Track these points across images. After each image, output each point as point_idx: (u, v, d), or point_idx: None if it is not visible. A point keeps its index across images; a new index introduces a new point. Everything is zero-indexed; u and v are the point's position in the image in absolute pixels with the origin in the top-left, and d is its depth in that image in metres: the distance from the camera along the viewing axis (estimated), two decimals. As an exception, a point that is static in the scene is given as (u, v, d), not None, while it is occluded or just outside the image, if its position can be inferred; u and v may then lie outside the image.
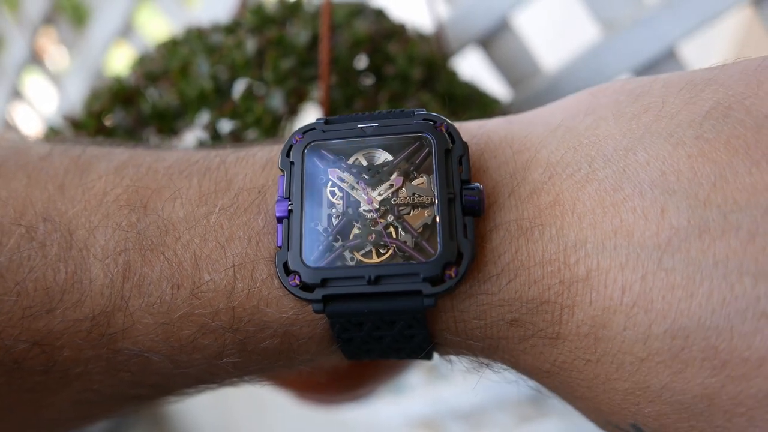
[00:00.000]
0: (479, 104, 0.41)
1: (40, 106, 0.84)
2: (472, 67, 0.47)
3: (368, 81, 0.39)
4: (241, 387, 0.27)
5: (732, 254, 0.18)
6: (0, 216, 0.22)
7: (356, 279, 0.21)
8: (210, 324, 0.22)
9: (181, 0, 0.63)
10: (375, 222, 0.22)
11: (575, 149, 0.22)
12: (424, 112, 0.23)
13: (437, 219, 0.21)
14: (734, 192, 0.18)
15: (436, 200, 0.22)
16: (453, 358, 0.25)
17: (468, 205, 0.21)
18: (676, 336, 0.19)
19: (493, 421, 0.72)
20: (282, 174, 0.23)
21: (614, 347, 0.20)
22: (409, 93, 0.37)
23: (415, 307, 0.21)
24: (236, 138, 0.35)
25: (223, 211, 0.23)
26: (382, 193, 0.22)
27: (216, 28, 0.40)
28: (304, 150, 0.23)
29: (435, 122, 0.23)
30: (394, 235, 0.21)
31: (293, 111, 0.36)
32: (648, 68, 0.41)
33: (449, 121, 0.23)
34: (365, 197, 0.22)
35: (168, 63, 0.38)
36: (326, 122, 0.24)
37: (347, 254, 0.21)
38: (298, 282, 0.21)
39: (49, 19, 0.74)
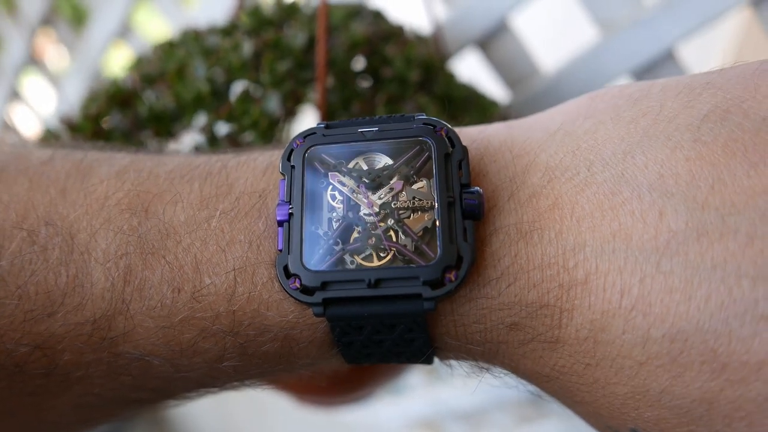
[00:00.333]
0: (477, 106, 0.41)
1: (38, 106, 0.84)
2: (471, 69, 0.47)
3: (366, 83, 0.39)
4: (241, 390, 0.27)
5: (730, 257, 0.18)
6: (2, 220, 0.22)
7: (356, 282, 0.21)
8: (210, 328, 0.22)
9: (178, 1, 0.63)
10: (375, 226, 0.22)
11: (574, 153, 0.22)
12: (424, 117, 0.24)
13: (437, 222, 0.21)
14: (732, 195, 0.18)
15: (436, 204, 0.22)
16: (453, 362, 0.25)
17: (468, 208, 0.21)
18: (675, 339, 0.19)
19: (492, 421, 0.72)
20: (283, 178, 0.23)
21: (613, 351, 0.20)
22: (407, 95, 0.37)
23: (415, 310, 0.21)
24: (233, 140, 0.35)
25: (224, 215, 0.23)
26: (382, 197, 0.22)
27: (212, 30, 0.40)
28: (304, 154, 0.23)
29: (435, 127, 0.23)
30: (394, 239, 0.22)
31: (290, 113, 0.36)
32: (647, 69, 0.41)
33: (449, 125, 0.23)
34: (365, 201, 0.22)
35: (164, 65, 0.38)
36: (327, 126, 0.24)
37: (347, 258, 0.22)
38: (298, 285, 0.21)
39: (47, 20, 0.74)
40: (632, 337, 0.19)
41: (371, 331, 0.22)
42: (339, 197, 0.22)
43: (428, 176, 0.22)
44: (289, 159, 0.23)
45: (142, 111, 0.37)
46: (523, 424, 0.70)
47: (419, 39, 0.42)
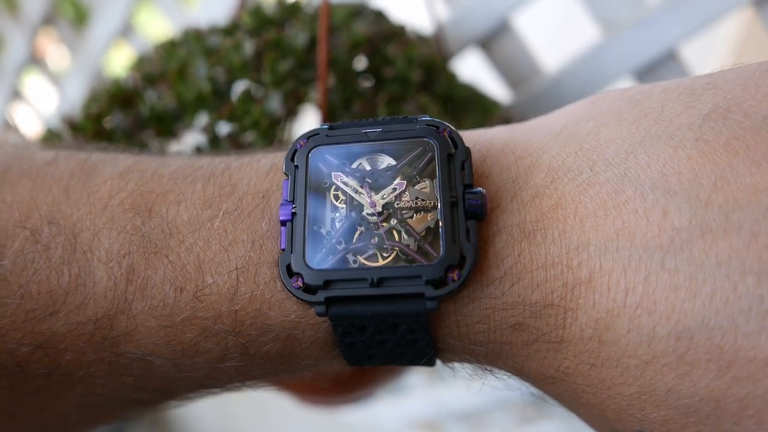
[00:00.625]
0: (479, 106, 0.41)
1: (39, 106, 0.84)
2: (472, 69, 0.47)
3: (367, 83, 0.39)
4: (242, 391, 0.27)
5: (734, 254, 0.18)
6: (5, 219, 0.22)
7: (359, 281, 0.21)
8: (212, 327, 0.22)
9: (180, 0, 0.63)
10: (378, 225, 0.22)
11: (576, 154, 0.22)
12: (428, 118, 0.24)
13: (440, 222, 0.21)
14: (735, 192, 0.18)
15: (439, 204, 0.22)
16: (455, 365, 0.25)
17: (471, 208, 0.21)
18: (681, 337, 0.18)
19: (493, 422, 0.72)
20: (286, 178, 0.23)
21: (618, 350, 0.20)
22: (408, 95, 0.37)
23: (417, 310, 0.21)
24: (234, 140, 0.35)
25: (227, 215, 0.23)
26: (385, 196, 0.22)
27: (214, 30, 0.40)
28: (308, 154, 0.23)
29: (438, 127, 0.23)
30: (397, 239, 0.22)
31: (291, 113, 0.36)
32: (648, 69, 0.41)
33: (452, 127, 0.23)
34: (368, 201, 0.22)
35: (166, 65, 0.38)
36: (330, 128, 0.24)
37: (350, 257, 0.22)
38: (300, 284, 0.21)
39: (48, 20, 0.74)
40: (637, 335, 0.19)
41: (374, 331, 0.22)
42: (342, 197, 0.22)
43: (431, 177, 0.22)
44: (292, 159, 0.23)
45: (143, 111, 0.37)
46: (524, 424, 0.70)
47: (421, 39, 0.42)
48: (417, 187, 0.22)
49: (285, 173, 0.23)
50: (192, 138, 0.38)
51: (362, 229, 0.22)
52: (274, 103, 0.35)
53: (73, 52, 0.73)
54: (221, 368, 0.23)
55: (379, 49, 0.38)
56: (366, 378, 0.44)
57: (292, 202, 0.22)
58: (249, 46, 0.36)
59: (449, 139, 0.23)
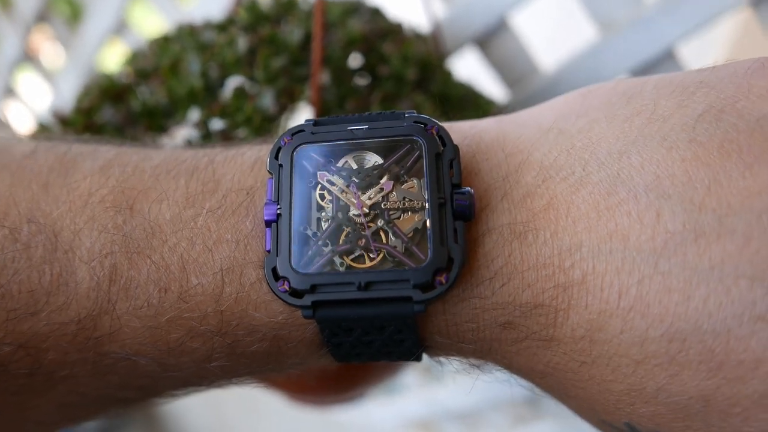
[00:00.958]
0: (474, 105, 0.41)
1: (33, 103, 0.84)
2: (470, 67, 0.47)
3: (363, 81, 0.39)
4: (234, 389, 0.27)
5: (728, 258, 0.18)
6: None
7: (346, 285, 0.21)
8: (198, 328, 0.22)
9: (175, -3, 0.62)
10: (365, 226, 0.22)
11: (568, 152, 0.21)
12: (415, 115, 0.23)
13: (428, 224, 0.21)
14: (728, 196, 0.18)
15: (427, 205, 0.21)
16: (443, 359, 0.25)
17: (458, 209, 0.21)
18: (673, 339, 0.19)
19: (488, 422, 0.72)
20: (270, 176, 0.23)
21: (610, 350, 0.20)
22: (403, 93, 0.37)
23: (405, 312, 0.21)
24: (226, 137, 0.35)
25: (211, 213, 0.22)
26: (372, 197, 0.22)
27: (208, 26, 0.39)
28: (293, 153, 0.23)
29: (426, 125, 0.23)
30: (384, 240, 0.21)
31: (284, 110, 0.36)
32: (646, 69, 0.41)
33: (440, 123, 0.23)
34: (355, 201, 0.22)
35: (159, 60, 0.38)
36: (315, 123, 0.24)
37: (337, 259, 0.21)
38: (287, 288, 0.21)
39: (42, 17, 0.73)
40: (630, 336, 0.19)
41: (361, 332, 0.22)
42: (328, 197, 0.22)
43: (418, 176, 0.22)
44: (277, 157, 0.23)
45: (135, 106, 0.37)
46: (519, 424, 0.70)
47: (417, 37, 0.42)
48: (404, 186, 0.22)
49: (269, 171, 0.23)
50: (183, 133, 0.37)
51: (349, 230, 0.22)
52: (267, 100, 0.34)
53: (67, 50, 0.73)
54: (208, 368, 0.23)
55: (374, 46, 0.38)
56: (358, 378, 0.44)
57: (277, 202, 0.22)
58: (243, 42, 0.36)
59: (437, 137, 0.22)
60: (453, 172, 0.22)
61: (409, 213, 0.22)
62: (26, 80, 0.85)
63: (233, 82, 0.36)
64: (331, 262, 0.21)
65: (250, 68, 0.36)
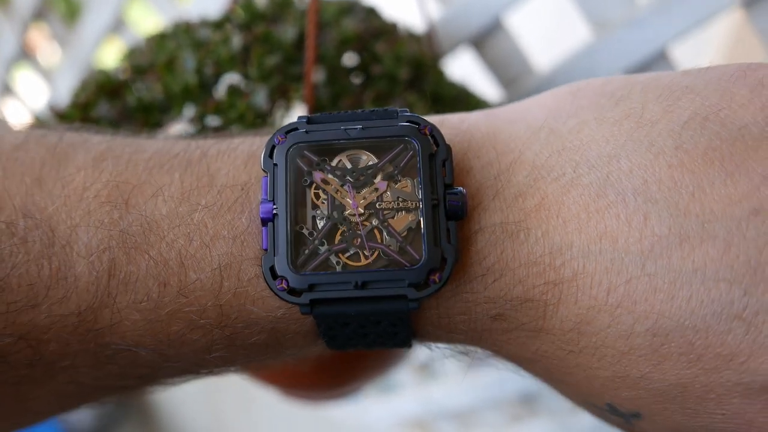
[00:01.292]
0: (466, 105, 0.41)
1: (30, 101, 0.83)
2: (464, 67, 0.47)
3: (357, 80, 0.39)
4: (230, 385, 0.27)
5: (710, 262, 0.19)
6: None
7: (343, 284, 0.22)
8: (198, 321, 0.22)
9: (172, -5, 0.62)
10: (359, 226, 0.22)
11: (560, 153, 0.22)
12: (408, 114, 0.23)
13: (422, 224, 0.22)
14: (711, 203, 0.20)
15: (421, 205, 0.22)
16: (432, 346, 0.26)
17: (451, 210, 0.22)
18: (657, 334, 0.20)
19: (484, 420, 0.72)
20: (265, 174, 0.23)
21: (597, 341, 0.21)
22: (396, 93, 0.37)
23: (400, 309, 0.22)
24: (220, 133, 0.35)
25: (207, 209, 0.23)
26: (366, 196, 0.22)
27: (204, 23, 0.39)
28: (287, 152, 0.23)
29: (419, 125, 0.23)
30: (378, 239, 0.22)
31: (278, 108, 0.36)
32: (640, 69, 0.41)
33: (432, 122, 0.23)
34: (350, 201, 0.22)
35: (155, 57, 0.38)
36: (309, 121, 0.24)
37: (333, 258, 0.22)
38: (285, 286, 0.21)
39: (40, 14, 0.73)
40: (617, 330, 0.21)
41: (357, 326, 0.23)
42: (323, 196, 0.22)
43: (412, 176, 0.22)
44: (271, 156, 0.23)
45: (130, 101, 0.37)
46: (514, 422, 0.70)
47: (411, 37, 0.42)
48: (398, 186, 0.22)
49: (263, 170, 0.23)
50: (178, 128, 0.38)
51: (344, 229, 0.22)
52: (260, 98, 0.35)
53: (64, 48, 0.73)
54: (207, 358, 0.24)
55: (368, 46, 0.38)
56: (353, 373, 0.44)
57: (272, 201, 0.22)
58: (237, 40, 0.36)
59: (430, 137, 0.23)
60: (446, 172, 0.22)
61: (403, 212, 0.22)
62: (23, 78, 0.85)
63: (228, 80, 0.36)
64: (328, 261, 0.22)
65: (244, 66, 0.36)
